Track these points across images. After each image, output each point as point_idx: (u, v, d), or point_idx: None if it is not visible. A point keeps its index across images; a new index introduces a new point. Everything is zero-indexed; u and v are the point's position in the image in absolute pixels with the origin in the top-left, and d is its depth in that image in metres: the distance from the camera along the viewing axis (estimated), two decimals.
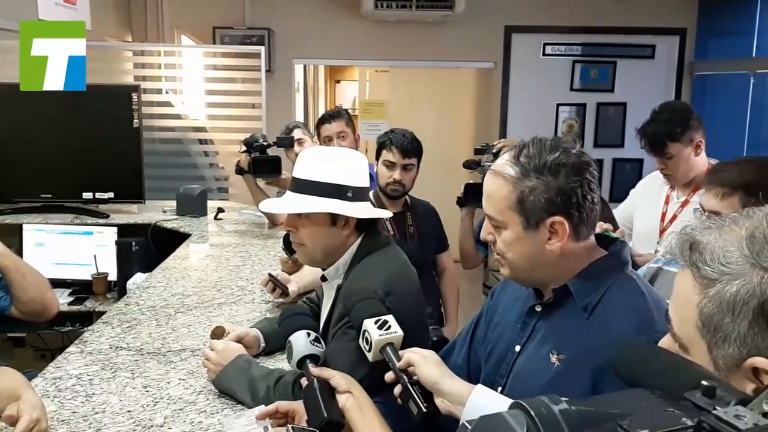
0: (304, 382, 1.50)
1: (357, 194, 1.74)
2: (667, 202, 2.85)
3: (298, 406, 1.51)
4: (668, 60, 6.11)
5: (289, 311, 2.08)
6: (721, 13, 5.70)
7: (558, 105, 6.18)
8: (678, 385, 0.62)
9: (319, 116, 3.75)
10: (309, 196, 1.72)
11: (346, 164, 1.78)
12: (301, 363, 1.52)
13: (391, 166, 2.97)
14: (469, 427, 0.62)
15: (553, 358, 1.34)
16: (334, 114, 3.59)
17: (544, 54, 6.13)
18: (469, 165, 3.23)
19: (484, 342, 1.57)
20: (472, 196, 2.94)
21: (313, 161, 1.78)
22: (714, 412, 0.55)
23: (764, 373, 0.76)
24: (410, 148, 2.98)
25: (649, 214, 2.86)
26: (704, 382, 0.60)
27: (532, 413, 0.58)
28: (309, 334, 1.55)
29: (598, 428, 0.58)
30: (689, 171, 2.72)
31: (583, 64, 6.13)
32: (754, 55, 5.16)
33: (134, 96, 3.83)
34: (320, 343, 1.56)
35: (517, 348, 1.44)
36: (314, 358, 1.52)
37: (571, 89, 6.17)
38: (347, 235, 1.77)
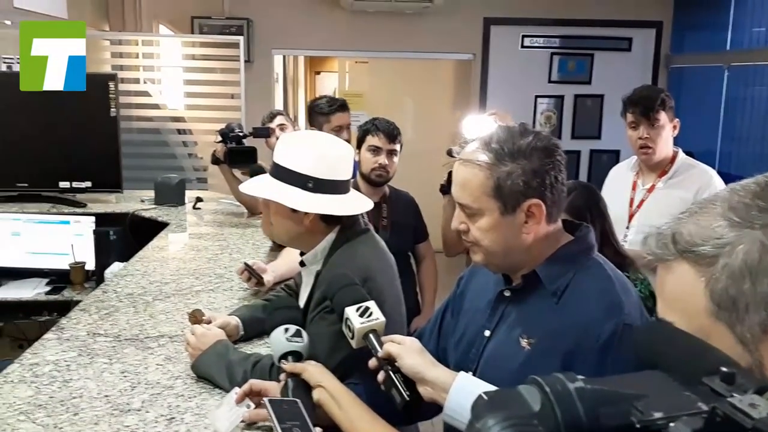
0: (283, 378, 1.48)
1: (319, 186, 1.68)
2: (634, 188, 2.90)
3: (269, 385, 1.51)
4: (645, 52, 6.18)
5: (275, 304, 2.08)
6: (697, 6, 5.78)
7: (536, 97, 6.22)
8: (697, 369, 0.60)
9: (328, 100, 3.49)
10: (276, 180, 1.71)
11: (319, 153, 1.71)
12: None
13: (376, 151, 2.97)
14: (486, 397, 0.62)
15: (524, 343, 1.35)
16: (344, 104, 3.46)
17: (522, 46, 6.17)
18: (452, 153, 3.24)
19: (454, 330, 1.57)
20: None
21: (286, 145, 1.75)
22: (729, 399, 0.54)
23: None
24: (395, 133, 3.01)
25: (618, 200, 2.90)
26: (724, 368, 0.58)
27: (547, 390, 0.57)
28: (287, 330, 1.51)
29: (612, 408, 0.57)
30: (664, 147, 2.78)
31: (561, 57, 6.18)
32: (728, 48, 5.24)
33: (111, 85, 3.80)
34: (300, 336, 1.51)
35: (487, 333, 1.44)
36: (295, 354, 1.48)
37: (549, 81, 6.22)
38: (311, 222, 1.71)
